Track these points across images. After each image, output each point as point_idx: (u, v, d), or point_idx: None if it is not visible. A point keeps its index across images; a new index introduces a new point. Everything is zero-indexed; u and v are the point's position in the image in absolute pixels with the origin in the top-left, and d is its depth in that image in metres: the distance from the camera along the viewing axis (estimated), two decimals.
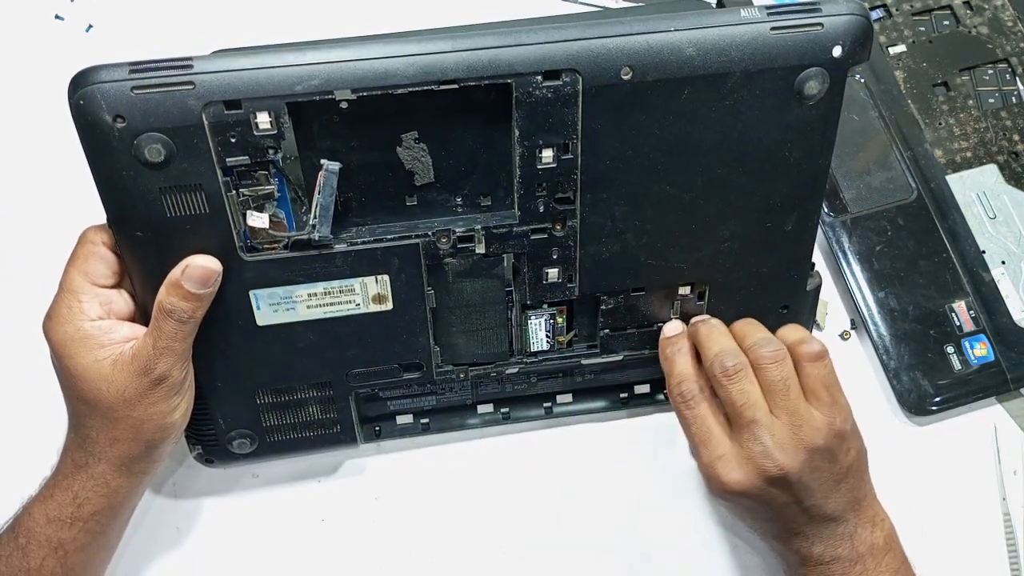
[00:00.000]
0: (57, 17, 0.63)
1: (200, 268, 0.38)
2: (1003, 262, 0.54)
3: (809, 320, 0.49)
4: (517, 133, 0.39)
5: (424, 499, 0.50)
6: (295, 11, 0.64)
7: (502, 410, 0.50)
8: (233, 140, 0.37)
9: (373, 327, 0.43)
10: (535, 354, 0.47)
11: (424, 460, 0.51)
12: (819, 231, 0.55)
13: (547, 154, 0.39)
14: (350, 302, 0.42)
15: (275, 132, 0.37)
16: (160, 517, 0.49)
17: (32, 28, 0.63)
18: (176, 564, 0.49)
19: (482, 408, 0.50)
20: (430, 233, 0.41)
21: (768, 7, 0.38)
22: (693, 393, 0.43)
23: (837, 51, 0.38)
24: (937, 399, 0.51)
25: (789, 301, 0.47)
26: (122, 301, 0.41)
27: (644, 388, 0.51)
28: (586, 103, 0.38)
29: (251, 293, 0.40)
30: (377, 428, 0.50)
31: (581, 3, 0.64)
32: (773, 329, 0.46)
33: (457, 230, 0.41)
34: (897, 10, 0.61)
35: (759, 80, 0.39)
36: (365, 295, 0.42)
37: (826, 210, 0.55)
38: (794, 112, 0.40)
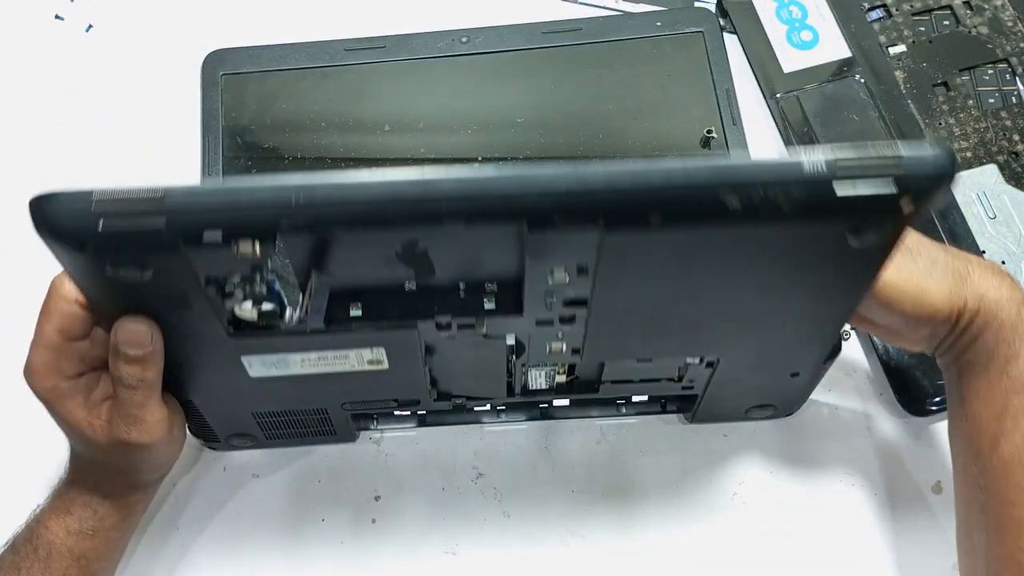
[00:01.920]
0: (57, 17, 0.63)
1: (127, 331, 0.36)
2: (1003, 262, 0.54)
3: (814, 384, 0.48)
4: (528, 258, 0.34)
5: (424, 499, 0.50)
6: (295, 11, 0.64)
7: (498, 407, 0.51)
8: (215, 260, 0.33)
9: (368, 377, 0.41)
10: (533, 392, 0.47)
11: (424, 460, 0.51)
12: None
13: (560, 274, 0.35)
14: (344, 363, 0.40)
15: (259, 256, 0.32)
16: (160, 517, 0.49)
17: (32, 28, 0.63)
18: (176, 564, 0.49)
19: (477, 407, 0.51)
20: (429, 319, 0.38)
21: (842, 155, 0.31)
22: None
23: (906, 207, 0.31)
24: (937, 399, 0.51)
25: (801, 369, 0.45)
26: (99, 347, 0.39)
27: (642, 397, 0.51)
28: (607, 240, 0.33)
29: (242, 358, 0.39)
30: (374, 418, 0.51)
31: (581, 3, 0.64)
32: (777, 390, 0.47)
33: (458, 320, 0.38)
34: (897, 10, 0.61)
35: (808, 231, 0.33)
36: (360, 359, 0.40)
37: None
38: (842, 254, 0.34)
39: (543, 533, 0.49)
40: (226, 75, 0.58)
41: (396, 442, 0.51)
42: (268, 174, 0.31)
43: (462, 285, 0.37)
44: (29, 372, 0.38)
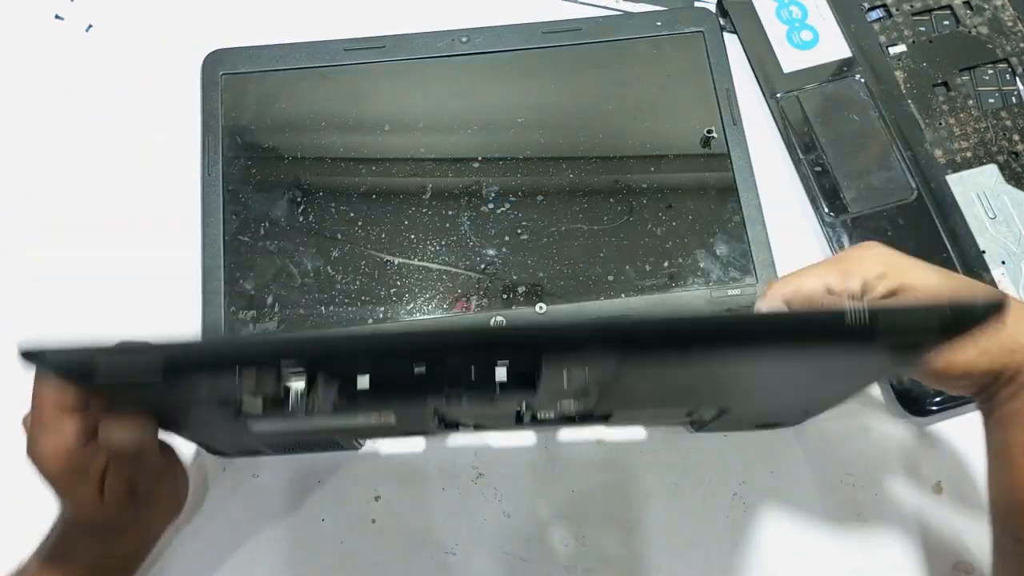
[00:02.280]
0: (57, 17, 0.63)
1: (115, 435, 0.35)
2: (1003, 262, 0.54)
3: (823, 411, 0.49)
4: (544, 364, 0.33)
5: (424, 499, 0.50)
6: (295, 11, 0.64)
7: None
8: (216, 382, 0.33)
9: (376, 425, 0.41)
10: (541, 421, 0.46)
11: (424, 460, 0.51)
12: (819, 231, 0.55)
13: (577, 371, 0.35)
14: (352, 422, 0.40)
15: (262, 377, 0.32)
16: None
17: (32, 28, 0.63)
18: (175, 564, 0.49)
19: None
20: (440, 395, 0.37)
21: (889, 312, 0.28)
22: None
23: (949, 337, 0.30)
24: (937, 399, 0.51)
25: (815, 411, 0.46)
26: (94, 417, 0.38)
27: None
28: (622, 362, 0.32)
29: (248, 423, 0.38)
30: None
31: (581, 3, 0.64)
32: (788, 417, 0.48)
33: (468, 395, 0.37)
34: (897, 10, 0.61)
35: (833, 356, 0.32)
36: (367, 419, 0.39)
37: (826, 210, 0.55)
38: (858, 359, 0.33)
39: (543, 533, 0.49)
40: (226, 75, 0.58)
41: (396, 442, 0.51)
42: (269, 330, 0.31)
43: (472, 368, 0.36)
44: (38, 458, 0.37)
